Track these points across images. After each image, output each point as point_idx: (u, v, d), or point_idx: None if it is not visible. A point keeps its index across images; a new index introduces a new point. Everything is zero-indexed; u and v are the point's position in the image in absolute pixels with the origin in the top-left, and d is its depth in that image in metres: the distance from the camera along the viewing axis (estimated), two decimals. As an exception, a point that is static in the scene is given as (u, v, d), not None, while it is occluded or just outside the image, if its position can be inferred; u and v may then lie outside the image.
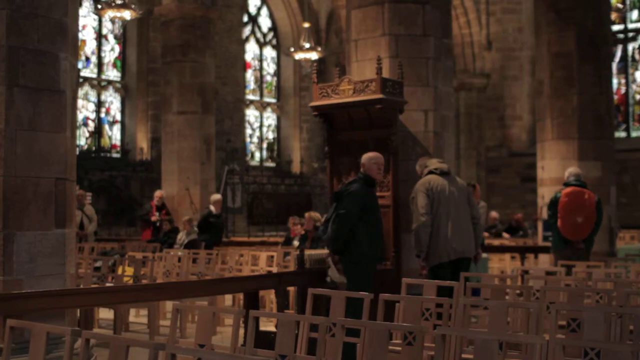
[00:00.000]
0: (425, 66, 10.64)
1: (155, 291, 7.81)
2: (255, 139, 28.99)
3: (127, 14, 17.61)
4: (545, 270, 8.73)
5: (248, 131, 28.46)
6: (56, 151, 6.94)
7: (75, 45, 7.41)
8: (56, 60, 6.95)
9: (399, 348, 5.36)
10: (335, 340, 4.65)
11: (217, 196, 16.55)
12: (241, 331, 7.58)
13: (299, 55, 24.37)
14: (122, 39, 24.84)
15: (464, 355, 5.34)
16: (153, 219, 17.01)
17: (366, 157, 8.61)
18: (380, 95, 9.46)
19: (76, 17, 7.44)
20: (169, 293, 7.92)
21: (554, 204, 11.34)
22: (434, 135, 10.63)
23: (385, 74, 9.95)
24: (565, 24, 15.18)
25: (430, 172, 9.15)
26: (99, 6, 17.90)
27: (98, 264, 11.06)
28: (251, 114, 28.87)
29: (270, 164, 29.10)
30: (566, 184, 11.53)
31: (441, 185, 9.02)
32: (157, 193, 17.79)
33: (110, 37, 24.92)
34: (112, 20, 18.10)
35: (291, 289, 10.32)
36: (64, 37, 7.03)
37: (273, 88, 29.92)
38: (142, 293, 7.85)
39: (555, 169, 15.06)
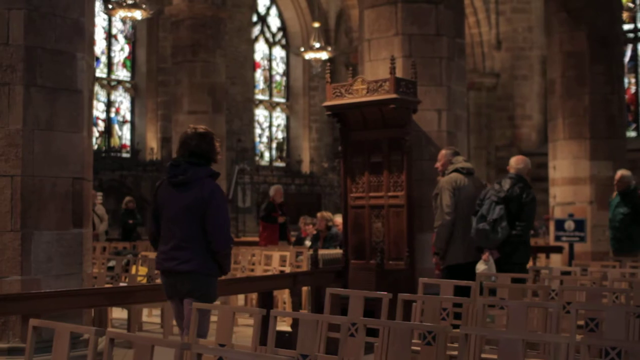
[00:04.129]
0: (439, 66, 10.62)
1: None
2: (264, 139, 28.99)
3: (138, 14, 17.62)
4: (561, 270, 8.72)
5: (257, 131, 28.46)
6: (73, 151, 6.97)
7: (91, 45, 7.44)
8: (73, 60, 6.98)
9: (418, 348, 5.36)
10: (356, 340, 4.65)
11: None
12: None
13: (309, 55, 24.36)
14: (132, 39, 24.85)
15: (483, 355, 5.33)
16: (280, 220, 15.80)
17: (520, 159, 9.07)
18: (394, 95, 9.42)
19: (92, 16, 7.47)
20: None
21: None
22: (447, 135, 10.61)
23: (399, 73, 9.91)
24: (576, 24, 15.16)
25: (456, 170, 9.12)
26: (110, 6, 17.90)
27: (111, 263, 11.07)
28: (260, 113, 28.86)
29: (280, 163, 29.08)
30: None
31: (466, 185, 9.01)
32: (278, 188, 16.62)
33: (120, 36, 24.94)
34: (123, 20, 18.05)
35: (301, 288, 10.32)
36: (80, 36, 7.05)
37: (282, 88, 29.92)
38: (158, 293, 7.85)
39: (567, 169, 15.04)
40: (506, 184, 8.85)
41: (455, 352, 5.19)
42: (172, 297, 6.10)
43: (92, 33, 7.44)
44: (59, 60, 6.86)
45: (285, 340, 7.28)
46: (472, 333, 4.18)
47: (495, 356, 5.50)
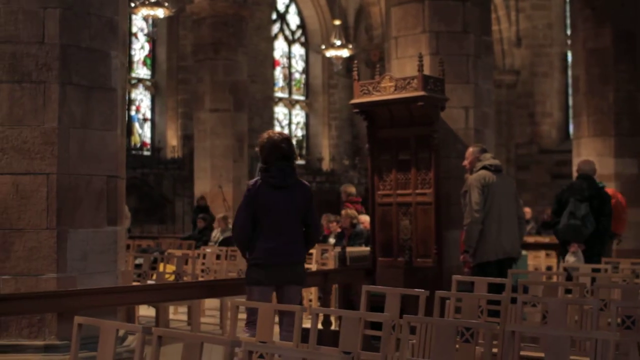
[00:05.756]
0: (466, 63, 10.61)
1: (203, 289, 7.85)
2: (284, 137, 28.92)
3: (160, 12, 17.67)
4: (592, 267, 8.70)
5: (277, 128, 28.45)
6: (107, 149, 6.98)
7: (125, 44, 7.45)
8: (107, 58, 7.00)
9: (457, 346, 5.35)
10: (401, 338, 4.65)
11: None
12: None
13: (329, 53, 24.34)
14: (154, 38, 24.91)
15: (522, 353, 5.32)
16: None
17: (587, 162, 10.71)
18: (422, 93, 9.40)
19: (126, 15, 7.49)
20: (216, 291, 7.95)
21: None
22: (474, 133, 10.60)
23: (426, 71, 9.87)
24: (600, 21, 15.09)
25: (484, 167, 9.10)
26: (132, 4, 17.94)
27: (138, 261, 11.11)
28: (280, 111, 28.88)
29: (300, 161, 29.07)
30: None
31: (494, 183, 8.97)
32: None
33: (140, 35, 25.02)
34: (145, 19, 18.08)
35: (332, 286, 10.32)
36: (114, 35, 7.07)
37: (301, 85, 29.92)
38: (191, 290, 7.90)
39: (591, 166, 14.98)
40: (584, 184, 10.09)
41: (494, 350, 5.19)
42: (267, 285, 6.68)
43: (126, 31, 7.46)
44: (93, 58, 6.88)
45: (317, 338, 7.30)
46: (518, 330, 4.17)
47: (535, 354, 5.52)
